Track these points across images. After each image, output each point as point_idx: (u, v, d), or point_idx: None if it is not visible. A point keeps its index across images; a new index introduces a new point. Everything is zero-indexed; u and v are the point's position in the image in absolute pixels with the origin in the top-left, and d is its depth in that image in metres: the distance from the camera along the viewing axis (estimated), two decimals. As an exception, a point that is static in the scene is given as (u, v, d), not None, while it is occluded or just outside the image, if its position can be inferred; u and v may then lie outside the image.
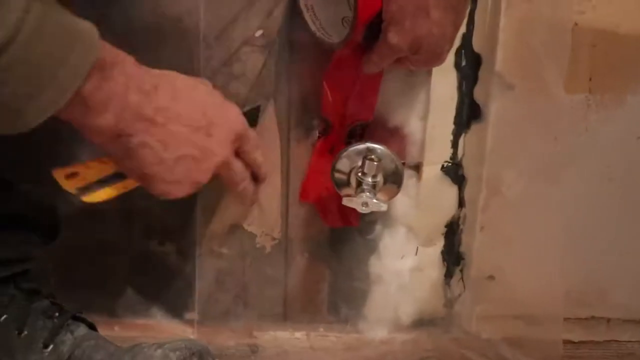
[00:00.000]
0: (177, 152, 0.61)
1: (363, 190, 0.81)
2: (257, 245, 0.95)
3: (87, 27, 0.49)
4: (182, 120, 0.60)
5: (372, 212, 0.86)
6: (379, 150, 0.83)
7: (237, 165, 0.70)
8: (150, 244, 0.95)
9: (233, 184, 0.72)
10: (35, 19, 0.45)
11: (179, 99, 0.60)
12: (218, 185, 0.79)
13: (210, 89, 0.66)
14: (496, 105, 0.88)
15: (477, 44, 0.86)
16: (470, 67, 0.88)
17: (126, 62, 0.55)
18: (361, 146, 0.83)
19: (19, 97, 0.46)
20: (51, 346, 0.75)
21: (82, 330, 0.78)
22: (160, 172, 0.61)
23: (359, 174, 0.82)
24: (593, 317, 1.01)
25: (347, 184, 0.84)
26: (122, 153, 0.59)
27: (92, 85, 0.51)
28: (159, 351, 0.76)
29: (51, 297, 0.80)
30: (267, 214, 0.94)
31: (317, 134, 0.91)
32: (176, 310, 0.97)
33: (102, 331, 0.82)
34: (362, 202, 0.80)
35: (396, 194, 0.86)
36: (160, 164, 0.60)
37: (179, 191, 0.65)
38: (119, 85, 0.54)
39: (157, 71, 0.60)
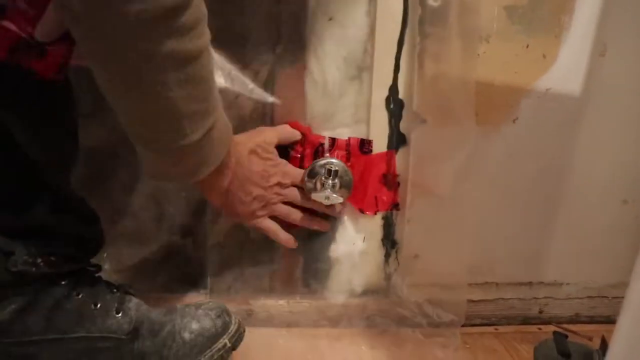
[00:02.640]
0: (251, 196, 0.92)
1: (326, 188, 0.95)
2: (251, 238, 1.05)
3: (229, 130, 0.81)
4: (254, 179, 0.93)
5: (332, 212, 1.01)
6: (337, 163, 0.98)
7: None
8: (174, 238, 1.05)
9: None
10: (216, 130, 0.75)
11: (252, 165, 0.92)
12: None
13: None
14: (415, 134, 1.00)
15: (401, 93, 0.98)
16: (397, 109, 0.99)
17: (237, 151, 0.87)
18: (325, 160, 0.98)
19: (196, 165, 0.78)
20: (121, 312, 0.85)
21: (134, 299, 0.88)
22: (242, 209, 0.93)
23: (323, 178, 0.96)
24: (486, 282, 1.11)
25: (315, 188, 0.97)
26: (223, 200, 0.90)
27: (227, 159, 0.83)
28: (200, 311, 0.88)
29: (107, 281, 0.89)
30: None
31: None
32: (193, 286, 1.07)
33: (140, 301, 0.88)
34: (325, 196, 0.96)
35: (348, 195, 1.00)
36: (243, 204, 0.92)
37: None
38: (232, 163, 0.86)
39: (241, 150, 0.89)
